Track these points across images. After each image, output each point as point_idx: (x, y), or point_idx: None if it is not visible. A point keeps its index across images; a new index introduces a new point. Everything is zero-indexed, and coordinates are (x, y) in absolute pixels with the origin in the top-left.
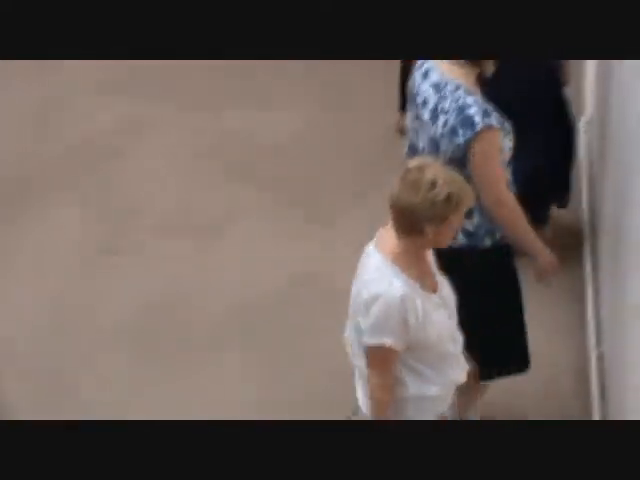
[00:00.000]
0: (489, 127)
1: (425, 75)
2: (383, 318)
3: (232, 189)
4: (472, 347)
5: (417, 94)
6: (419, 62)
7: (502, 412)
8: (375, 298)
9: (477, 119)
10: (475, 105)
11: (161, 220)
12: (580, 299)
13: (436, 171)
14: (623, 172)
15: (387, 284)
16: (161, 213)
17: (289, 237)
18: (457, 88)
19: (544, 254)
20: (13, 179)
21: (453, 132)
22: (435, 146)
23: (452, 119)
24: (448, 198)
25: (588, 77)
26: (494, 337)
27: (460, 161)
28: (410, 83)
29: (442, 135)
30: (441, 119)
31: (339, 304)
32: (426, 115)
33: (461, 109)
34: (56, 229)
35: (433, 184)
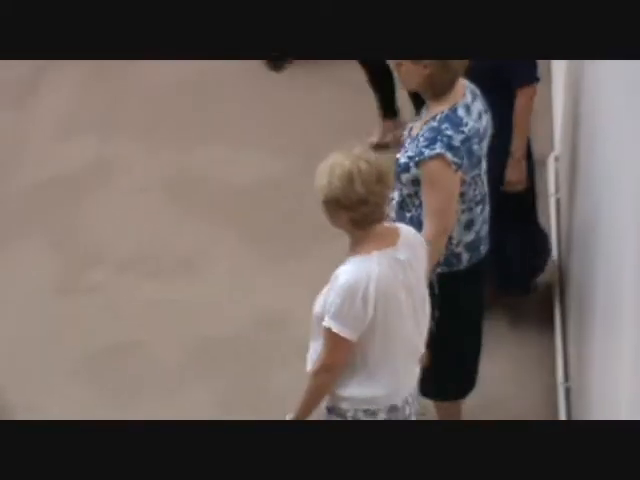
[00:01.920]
0: None
1: (468, 110)
2: None
3: (200, 228)
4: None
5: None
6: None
7: None
8: None
9: None
10: None
11: (126, 259)
12: (549, 333)
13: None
14: (592, 208)
15: None
16: (126, 252)
17: (257, 274)
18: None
19: None
20: None
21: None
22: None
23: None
24: None
25: (556, 114)
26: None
27: None
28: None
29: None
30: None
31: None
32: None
33: None
34: (19, 266)
35: None
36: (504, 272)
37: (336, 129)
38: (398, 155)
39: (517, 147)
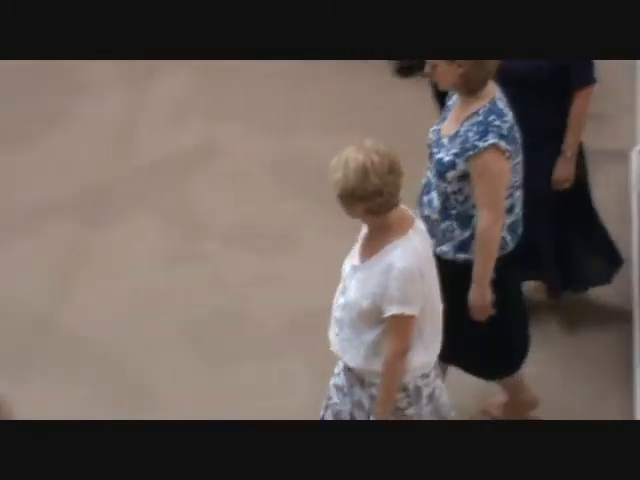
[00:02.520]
0: None
1: (503, 102)
2: None
3: (296, 206)
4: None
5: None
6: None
7: None
8: None
9: None
10: None
11: (230, 233)
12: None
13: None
14: None
15: None
16: (230, 227)
17: (349, 250)
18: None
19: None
20: (97, 188)
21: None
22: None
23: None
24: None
25: None
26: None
27: None
28: (510, 120)
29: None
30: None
31: None
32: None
33: None
34: (134, 237)
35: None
36: (572, 271)
37: (418, 115)
38: (439, 155)
39: (569, 145)
